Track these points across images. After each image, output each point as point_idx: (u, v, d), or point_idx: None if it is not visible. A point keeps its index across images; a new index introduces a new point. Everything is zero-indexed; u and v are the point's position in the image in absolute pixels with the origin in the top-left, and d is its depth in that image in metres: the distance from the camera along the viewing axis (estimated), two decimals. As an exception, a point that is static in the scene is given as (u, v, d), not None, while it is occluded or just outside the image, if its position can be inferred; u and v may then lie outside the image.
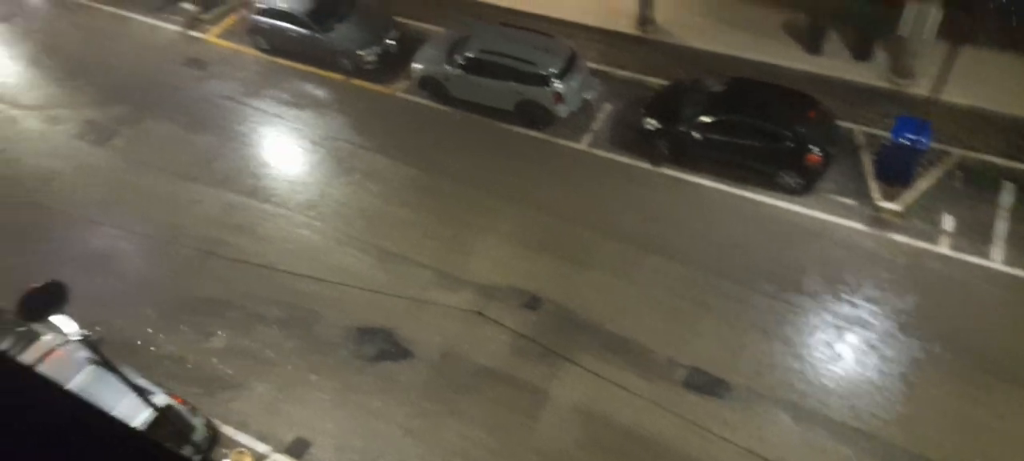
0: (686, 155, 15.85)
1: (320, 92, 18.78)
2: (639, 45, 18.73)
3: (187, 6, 21.49)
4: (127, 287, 14.47)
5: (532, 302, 13.80)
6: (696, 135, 15.45)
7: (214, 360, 13.26)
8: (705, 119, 15.36)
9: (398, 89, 18.60)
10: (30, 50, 20.84)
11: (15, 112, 18.68)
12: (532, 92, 16.63)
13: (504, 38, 17.18)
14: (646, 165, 16.19)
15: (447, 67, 17.41)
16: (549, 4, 19.78)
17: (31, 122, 18.38)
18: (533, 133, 17.12)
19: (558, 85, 16.44)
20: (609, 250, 14.61)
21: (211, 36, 20.76)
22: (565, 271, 14.30)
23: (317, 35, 18.83)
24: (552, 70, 16.45)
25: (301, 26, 18.93)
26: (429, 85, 17.99)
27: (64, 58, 20.38)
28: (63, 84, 19.49)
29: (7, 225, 15.59)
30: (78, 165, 17.18)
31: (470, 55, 16.99)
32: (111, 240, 15.36)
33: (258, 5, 19.42)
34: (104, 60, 20.15)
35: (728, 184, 15.60)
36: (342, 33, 18.81)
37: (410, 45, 19.04)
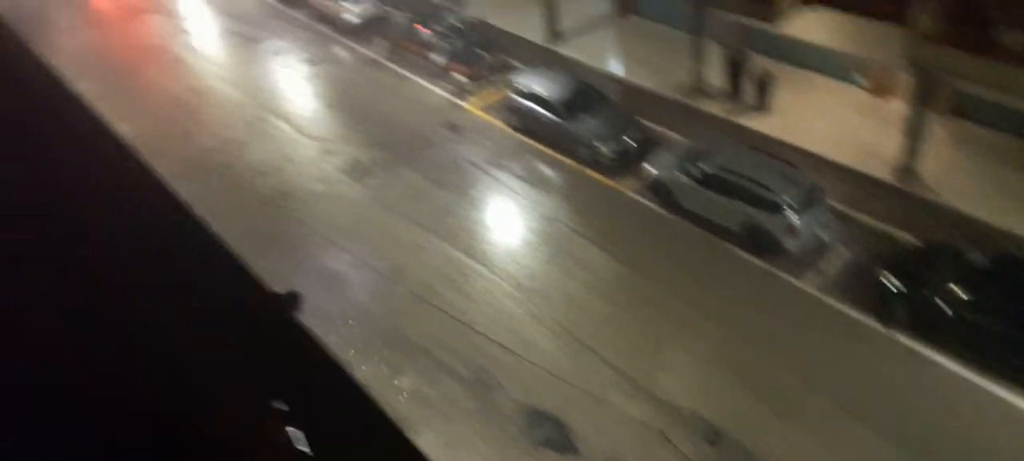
0: (927, 327, 14.04)
1: (554, 175, 19.58)
2: (892, 195, 17.17)
3: (459, 77, 23.80)
4: (345, 308, 15.94)
5: (714, 436, 12.86)
6: (945, 308, 13.65)
7: (397, 397, 14.02)
8: (960, 293, 13.55)
9: (627, 187, 18.81)
10: (326, 91, 24.34)
11: (300, 137, 21.82)
12: (764, 218, 15.90)
13: (745, 158, 16.73)
14: (876, 326, 14.58)
15: (680, 175, 17.29)
16: (800, 134, 18.96)
17: (310, 150, 21.32)
18: (756, 260, 16.28)
19: (793, 217, 15.55)
20: (813, 406, 13.24)
21: (472, 106, 22.71)
22: (758, 414, 13.18)
23: (564, 123, 19.79)
24: (789, 200, 15.63)
25: (551, 112, 20.03)
26: (659, 190, 17.97)
27: (349, 102, 23.50)
28: (343, 123, 22.43)
29: (269, 231, 18.06)
30: (336, 194, 19.49)
31: (706, 168, 16.74)
32: (344, 264, 17.09)
33: (516, 86, 20.94)
34: (380, 110, 22.89)
35: (973, 371, 13.49)
36: (587, 125, 19.56)
37: (648, 147, 19.27)
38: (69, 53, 26.62)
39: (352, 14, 27.22)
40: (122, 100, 23.83)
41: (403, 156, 20.63)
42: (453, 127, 21.79)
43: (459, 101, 22.99)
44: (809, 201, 15.85)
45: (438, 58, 24.37)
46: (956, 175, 17.28)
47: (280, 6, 30.11)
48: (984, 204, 16.40)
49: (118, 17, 30.50)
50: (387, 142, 21.25)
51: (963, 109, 18.60)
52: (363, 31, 27.04)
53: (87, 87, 20.81)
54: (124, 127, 21.22)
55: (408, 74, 24.68)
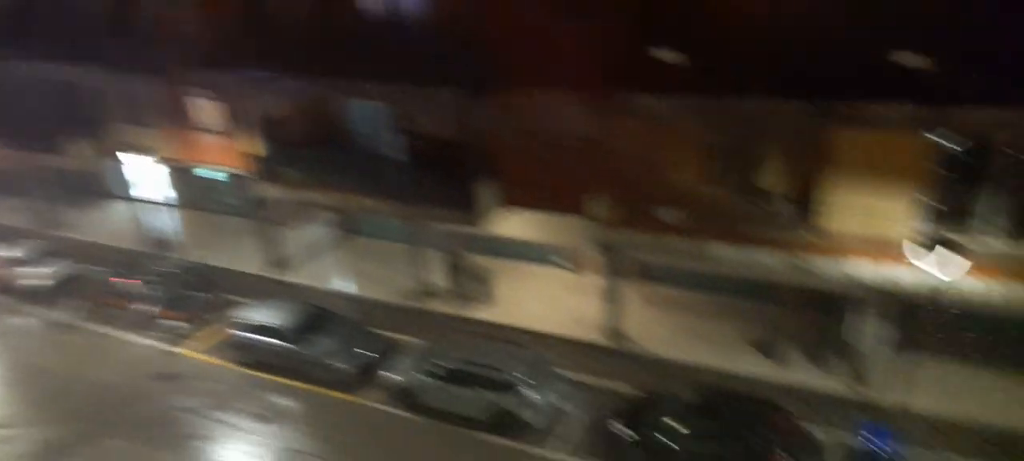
0: (662, 464, 15.29)
1: (293, 404, 18.48)
2: (607, 354, 19.05)
3: (174, 324, 22.09)
4: None
5: None
6: (671, 444, 15.02)
7: None
8: (680, 429, 15.08)
9: (374, 399, 18.38)
10: (1, 371, 20.87)
11: (-27, 429, 18.05)
12: (504, 400, 16.47)
13: (478, 348, 17.49)
14: (624, 477, 15.40)
15: (421, 377, 17.43)
16: (520, 316, 20.49)
17: (-13, 439, 17.65)
18: (507, 442, 16.60)
19: (530, 393, 16.34)
20: None
21: (192, 351, 20.99)
22: None
23: (295, 347, 19.11)
24: (523, 378, 16.48)
25: (280, 339, 19.29)
26: (403, 395, 17.85)
27: (34, 377, 20.34)
28: (26, 402, 19.19)
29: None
30: (25, 484, 16.12)
31: (444, 365, 17.13)
32: None
33: (239, 320, 19.97)
34: (75, 377, 20.09)
35: (710, 497, 14.67)
36: (319, 345, 19.09)
37: (388, 356, 19.29)
38: None
39: (37, 278, 24.41)
40: None
41: (108, 423, 18.06)
42: (168, 377, 19.80)
43: (174, 348, 21.14)
44: (540, 375, 16.88)
45: (145, 308, 22.51)
46: (653, 329, 19.80)
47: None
48: (683, 348, 18.87)
49: None
50: (85, 412, 18.52)
51: (649, 274, 21.70)
52: (53, 294, 24.25)
53: None
54: None
55: (111, 331, 22.29)
